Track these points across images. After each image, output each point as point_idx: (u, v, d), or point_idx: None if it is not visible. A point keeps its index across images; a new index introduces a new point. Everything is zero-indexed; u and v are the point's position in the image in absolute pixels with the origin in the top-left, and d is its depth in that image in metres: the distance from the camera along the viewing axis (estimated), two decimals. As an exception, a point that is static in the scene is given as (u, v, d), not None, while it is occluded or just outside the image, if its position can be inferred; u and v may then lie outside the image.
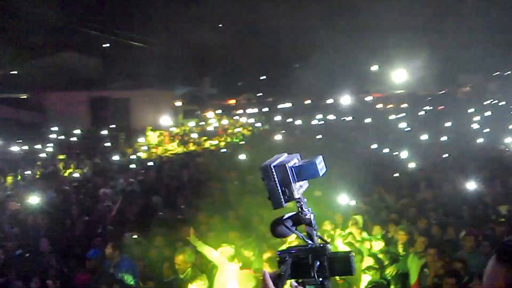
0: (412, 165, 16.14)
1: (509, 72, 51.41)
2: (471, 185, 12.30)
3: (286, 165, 2.12)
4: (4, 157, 22.20)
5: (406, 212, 11.07)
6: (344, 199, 11.57)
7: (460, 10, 40.03)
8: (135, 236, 10.10)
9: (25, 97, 37.32)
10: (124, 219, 12.02)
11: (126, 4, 49.08)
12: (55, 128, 29.19)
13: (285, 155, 2.22)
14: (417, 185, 13.69)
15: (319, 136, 24.85)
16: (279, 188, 2.11)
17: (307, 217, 2.17)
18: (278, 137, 24.04)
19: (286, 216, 2.19)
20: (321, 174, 2.15)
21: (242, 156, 18.32)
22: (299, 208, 2.18)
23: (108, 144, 26.04)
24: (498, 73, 53.09)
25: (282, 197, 2.11)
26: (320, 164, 2.17)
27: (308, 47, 45.53)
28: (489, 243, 8.25)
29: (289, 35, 50.02)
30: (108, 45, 48.17)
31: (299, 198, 2.16)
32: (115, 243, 8.95)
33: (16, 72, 40.79)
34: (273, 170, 2.11)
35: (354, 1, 46.62)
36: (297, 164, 2.17)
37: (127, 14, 49.35)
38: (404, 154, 17.91)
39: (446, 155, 18.44)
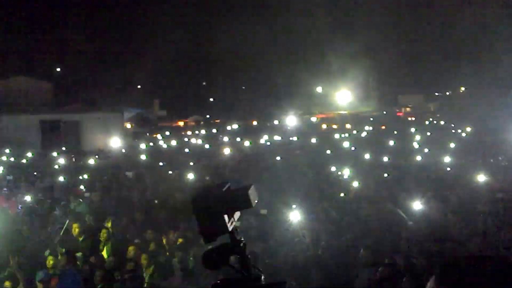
0: (355, 184, 16.13)
1: (448, 93, 53.73)
2: (417, 205, 12.21)
3: (217, 197, 2.05)
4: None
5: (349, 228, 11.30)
6: (296, 216, 11.43)
7: (400, 34, 42.09)
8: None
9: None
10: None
11: (79, 29, 49.11)
12: (6, 151, 29.21)
13: (217, 185, 2.17)
14: (360, 203, 13.72)
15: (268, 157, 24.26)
16: (210, 221, 2.01)
17: (240, 248, 2.08)
18: (226, 157, 24.40)
19: (218, 247, 2.08)
20: (253, 205, 2.05)
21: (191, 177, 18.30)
22: (232, 240, 2.08)
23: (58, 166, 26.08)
24: (437, 94, 55.51)
25: (213, 230, 2.03)
26: (252, 194, 2.07)
27: (255, 70, 46.75)
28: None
29: (237, 59, 50.98)
30: (59, 69, 48.06)
31: (231, 230, 2.06)
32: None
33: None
34: (203, 203, 2.03)
35: (299, 26, 48.22)
36: (228, 195, 2.08)
37: (80, 39, 49.33)
38: (347, 173, 17.92)
39: (386, 174, 18.30)
